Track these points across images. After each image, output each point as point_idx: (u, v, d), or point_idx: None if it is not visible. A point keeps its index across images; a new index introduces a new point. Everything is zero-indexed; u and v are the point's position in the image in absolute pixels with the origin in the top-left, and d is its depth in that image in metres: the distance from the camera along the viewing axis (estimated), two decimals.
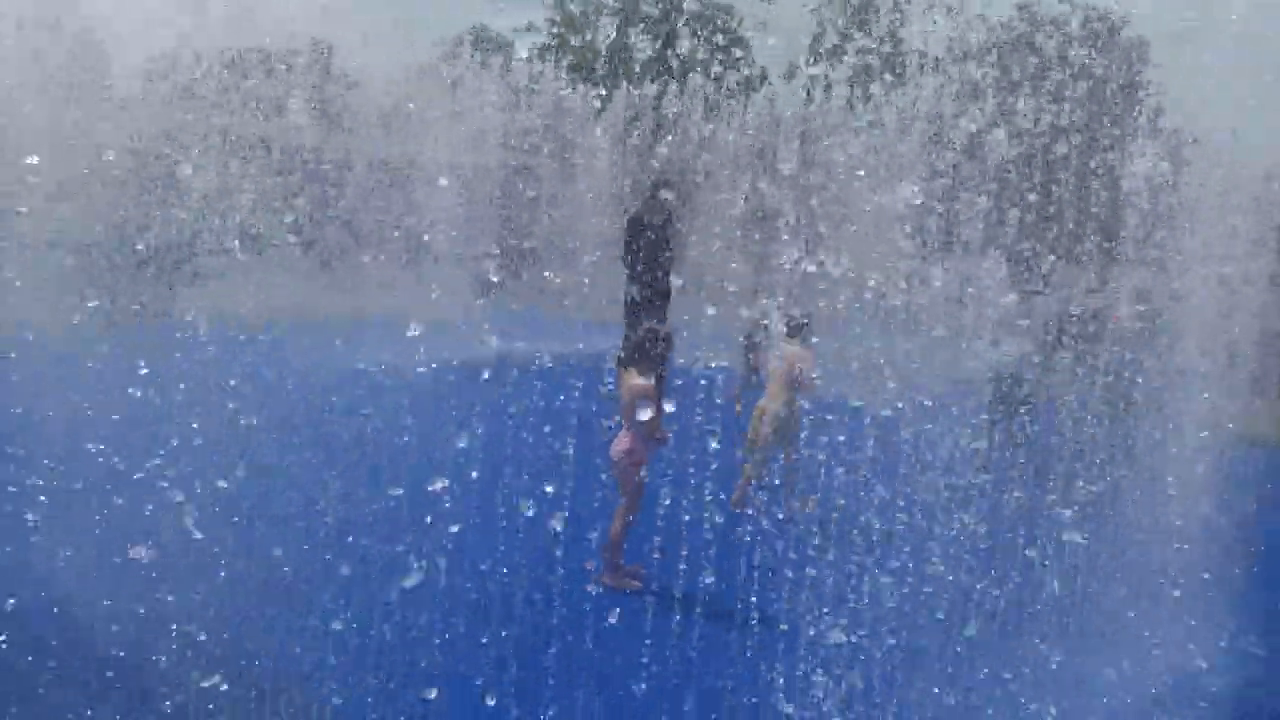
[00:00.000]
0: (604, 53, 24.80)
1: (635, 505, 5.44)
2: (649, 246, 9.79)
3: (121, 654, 3.95)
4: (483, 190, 15.51)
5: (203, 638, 3.94)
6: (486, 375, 4.24)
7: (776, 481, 7.16)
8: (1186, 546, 5.59)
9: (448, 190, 14.65)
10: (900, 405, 4.63)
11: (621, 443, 5.49)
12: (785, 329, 7.35)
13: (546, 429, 5.11)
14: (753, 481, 7.10)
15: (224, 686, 3.70)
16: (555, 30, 26.64)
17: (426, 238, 14.26)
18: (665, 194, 10.17)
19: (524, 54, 25.33)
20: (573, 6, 26.52)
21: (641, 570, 5.49)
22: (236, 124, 12.20)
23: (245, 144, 12.08)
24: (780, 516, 6.50)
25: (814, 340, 7.32)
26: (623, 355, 5.71)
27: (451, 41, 31.04)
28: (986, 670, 4.34)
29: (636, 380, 5.46)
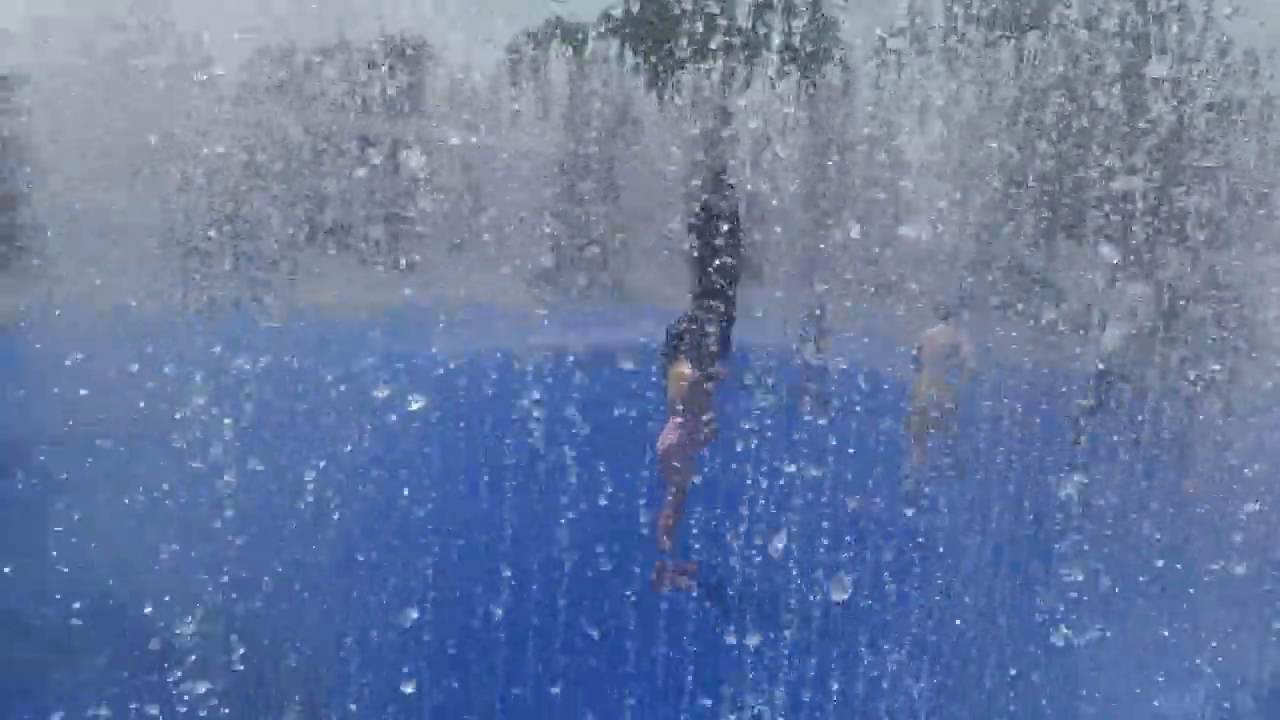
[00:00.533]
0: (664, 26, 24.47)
1: (682, 500, 5.19)
2: (716, 233, 9.50)
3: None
4: (549, 181, 15.46)
5: None
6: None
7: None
8: None
9: (517, 181, 14.63)
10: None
11: (668, 436, 5.24)
12: (936, 311, 7.36)
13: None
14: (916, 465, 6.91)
15: None
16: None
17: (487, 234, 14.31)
18: (730, 179, 9.86)
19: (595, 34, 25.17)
20: None
21: (693, 568, 5.24)
22: (322, 118, 12.39)
23: (330, 137, 12.26)
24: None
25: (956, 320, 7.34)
26: (671, 345, 5.43)
27: (530, 34, 31.25)
28: None
29: (684, 370, 5.19)
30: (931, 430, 6.97)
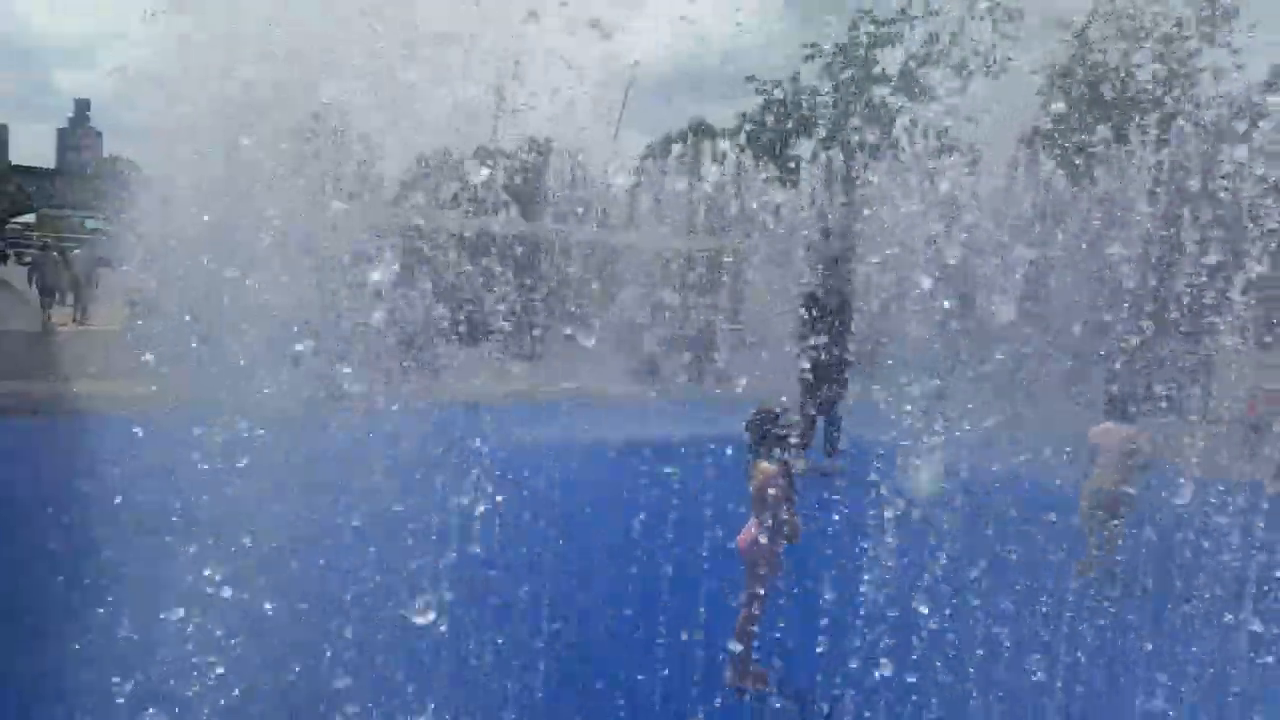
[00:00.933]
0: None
1: (760, 600, 4.98)
2: (825, 323, 9.36)
3: None
4: (670, 274, 15.78)
5: None
6: None
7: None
8: None
9: (640, 274, 15.04)
10: None
11: (748, 533, 5.08)
12: (1110, 407, 7.18)
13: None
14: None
15: None
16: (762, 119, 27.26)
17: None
18: (842, 269, 9.76)
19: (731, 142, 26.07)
20: (778, 93, 27.10)
21: (767, 674, 4.98)
22: (468, 220, 13.22)
23: (475, 238, 13.03)
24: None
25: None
26: (755, 438, 5.29)
27: (670, 136, 32.59)
28: None
29: (764, 465, 5.05)
30: (1115, 522, 6.66)
